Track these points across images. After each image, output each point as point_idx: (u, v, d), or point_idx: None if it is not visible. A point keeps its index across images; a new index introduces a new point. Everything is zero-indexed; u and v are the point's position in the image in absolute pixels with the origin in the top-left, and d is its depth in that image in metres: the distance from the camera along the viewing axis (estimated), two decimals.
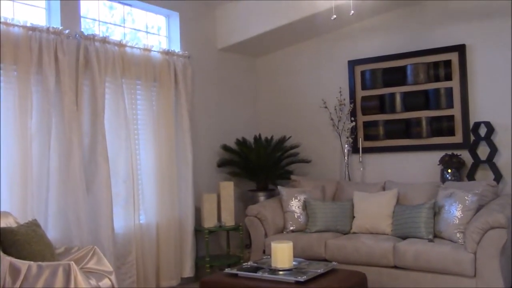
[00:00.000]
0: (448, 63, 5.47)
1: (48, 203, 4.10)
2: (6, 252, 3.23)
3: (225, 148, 6.06)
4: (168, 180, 5.14)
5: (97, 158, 4.41)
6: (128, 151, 4.71)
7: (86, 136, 4.43)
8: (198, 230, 5.43)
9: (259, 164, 5.97)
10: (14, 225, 3.50)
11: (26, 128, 3.95)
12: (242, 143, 6.15)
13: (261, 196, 5.93)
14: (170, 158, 5.17)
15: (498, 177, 5.08)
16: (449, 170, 5.25)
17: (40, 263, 3.13)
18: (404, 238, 4.66)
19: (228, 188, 5.56)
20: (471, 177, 5.23)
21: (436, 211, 4.60)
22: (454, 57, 5.45)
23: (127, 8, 5.22)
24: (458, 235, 4.34)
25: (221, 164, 6.03)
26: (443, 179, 5.26)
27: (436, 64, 5.54)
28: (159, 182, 5.06)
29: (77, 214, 4.20)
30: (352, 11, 3.61)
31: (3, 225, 3.42)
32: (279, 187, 5.54)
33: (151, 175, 5.03)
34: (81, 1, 4.59)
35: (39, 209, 4.01)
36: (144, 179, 5.00)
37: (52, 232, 4.06)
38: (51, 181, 4.12)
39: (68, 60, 4.26)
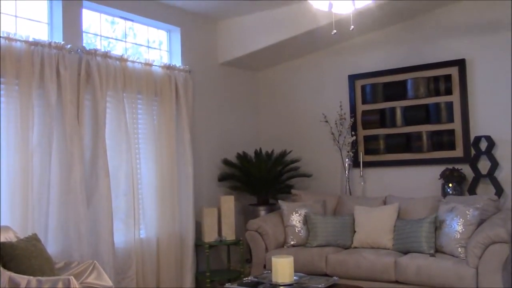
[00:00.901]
0: (448, 78, 5.49)
1: (49, 217, 4.09)
2: (6, 266, 3.21)
3: (226, 162, 6.06)
4: (169, 194, 5.13)
5: (97, 172, 4.41)
6: (129, 165, 4.71)
7: (87, 150, 4.44)
8: (199, 245, 5.40)
9: (260, 178, 5.96)
10: (14, 239, 3.49)
11: (27, 142, 3.95)
12: (243, 157, 6.15)
13: (262, 211, 5.91)
14: (171, 172, 5.17)
15: (499, 191, 5.07)
16: (450, 184, 5.24)
17: (39, 278, 3.11)
18: (405, 252, 4.64)
19: (228, 202, 5.55)
20: (472, 191, 5.22)
21: (437, 226, 4.58)
22: (454, 71, 5.47)
23: (129, 23, 5.26)
24: (459, 249, 4.32)
25: (222, 178, 6.02)
26: (444, 193, 5.25)
27: (436, 79, 5.56)
28: (160, 196, 5.06)
29: (77, 228, 4.19)
30: (352, 26, 3.62)
31: (3, 239, 3.40)
32: (279, 201, 5.53)
33: (152, 189, 5.03)
34: (83, 16, 4.62)
35: (39, 223, 4.00)
36: (145, 193, 4.99)
37: (52, 246, 4.04)
38: (51, 195, 4.11)
39: (70, 75, 4.28)
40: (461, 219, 4.40)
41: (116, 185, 4.63)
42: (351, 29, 3.62)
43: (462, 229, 4.36)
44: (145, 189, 4.99)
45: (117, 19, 5.14)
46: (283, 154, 6.23)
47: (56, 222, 4.12)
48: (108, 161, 4.48)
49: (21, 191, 3.87)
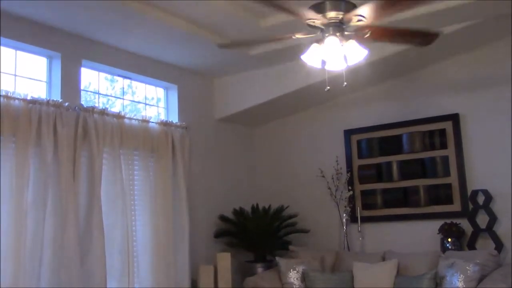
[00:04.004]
0: (443, 132, 5.55)
1: (40, 278, 3.98)
2: None
3: (223, 218, 6.00)
4: (164, 252, 5.04)
5: (92, 230, 4.35)
6: (124, 222, 4.66)
7: (82, 207, 4.39)
8: None
9: (257, 234, 5.89)
10: None
11: (22, 200, 3.91)
12: (239, 213, 6.10)
13: (259, 268, 5.79)
14: (167, 229, 5.10)
15: (499, 246, 5.01)
16: (449, 239, 5.18)
17: None
18: None
19: (225, 260, 5.45)
20: (471, 246, 5.15)
21: (437, 282, 4.50)
22: (448, 126, 5.53)
23: (127, 81, 5.35)
24: None
25: (218, 234, 5.95)
26: (444, 248, 5.18)
27: (431, 133, 5.62)
28: (155, 254, 4.97)
29: None
30: (345, 83, 3.69)
31: None
32: (277, 258, 5.44)
33: (147, 246, 4.95)
34: (83, 75, 4.71)
35: (30, 284, 3.88)
36: (140, 251, 4.91)
37: None
38: (44, 255, 4.02)
39: (67, 132, 4.29)
40: (461, 275, 4.33)
41: (111, 243, 4.55)
42: (344, 85, 3.69)
43: (463, 285, 4.28)
44: (140, 246, 4.91)
45: (116, 77, 5.23)
46: (280, 209, 6.18)
47: (48, 283, 4.01)
48: (103, 219, 4.43)
49: (13, 251, 3.79)
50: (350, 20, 3.21)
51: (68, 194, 4.21)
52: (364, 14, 3.08)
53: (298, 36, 3.45)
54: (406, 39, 3.68)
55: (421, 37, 3.60)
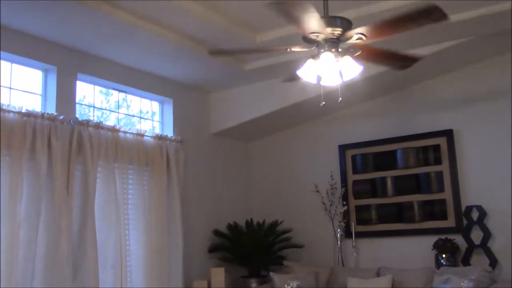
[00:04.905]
0: (437, 148, 5.57)
1: None
2: None
3: (217, 233, 5.97)
4: (158, 266, 5.00)
5: (85, 245, 4.31)
6: (118, 236, 4.63)
7: (75, 222, 4.35)
8: None
9: (251, 249, 5.85)
10: None
11: (15, 214, 3.87)
12: (233, 227, 6.07)
13: (253, 283, 5.76)
14: (161, 243, 5.06)
15: (493, 262, 5.00)
16: (444, 255, 5.17)
17: None
18: None
19: (219, 275, 5.42)
20: (466, 262, 5.14)
21: None
22: (442, 141, 5.55)
23: (122, 94, 5.35)
24: None
25: (212, 249, 5.91)
26: (438, 264, 5.16)
27: (425, 149, 5.63)
28: (148, 268, 4.92)
29: None
30: (340, 98, 3.70)
31: None
32: (271, 273, 5.41)
33: (141, 260, 4.91)
34: (77, 88, 4.70)
35: None
36: (133, 265, 4.87)
37: None
38: (36, 269, 3.98)
39: (61, 145, 4.28)
40: None
41: (104, 257, 4.51)
42: (339, 101, 3.69)
43: None
44: (133, 261, 4.87)
45: (111, 90, 5.23)
46: (275, 224, 6.15)
47: None
48: (96, 233, 4.39)
49: (5, 265, 3.75)
50: (350, 37, 3.22)
51: (62, 208, 4.18)
52: (365, 32, 3.10)
53: (294, 49, 3.46)
54: (388, 61, 3.70)
55: (403, 60, 3.61)
